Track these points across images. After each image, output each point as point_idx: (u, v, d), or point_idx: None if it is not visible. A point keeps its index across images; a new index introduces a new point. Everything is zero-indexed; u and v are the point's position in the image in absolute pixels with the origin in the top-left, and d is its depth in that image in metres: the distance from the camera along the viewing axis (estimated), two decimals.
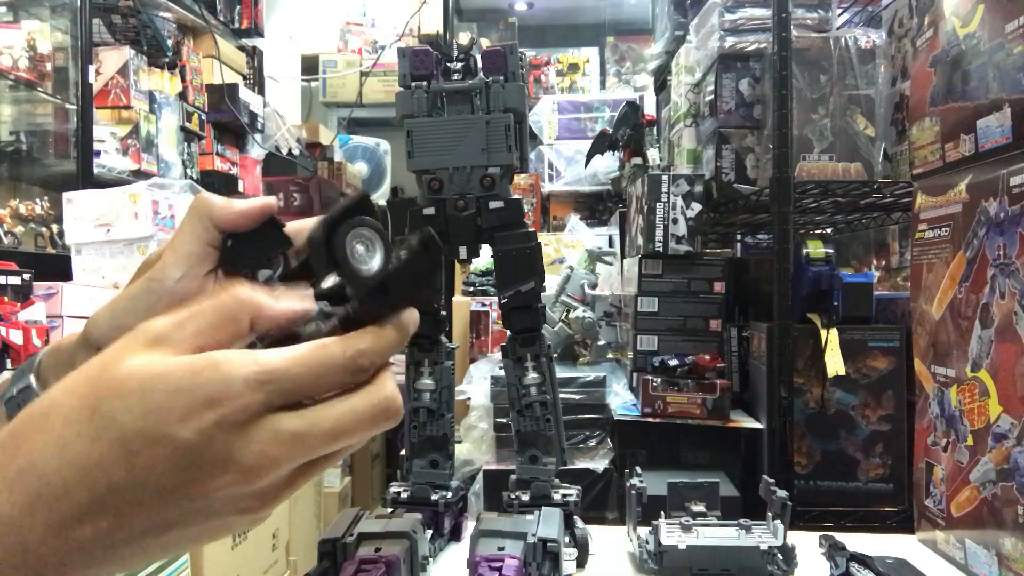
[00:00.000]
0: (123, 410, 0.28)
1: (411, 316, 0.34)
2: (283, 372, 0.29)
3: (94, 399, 0.28)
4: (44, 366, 0.45)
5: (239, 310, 0.31)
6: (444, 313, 0.85)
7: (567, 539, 0.80)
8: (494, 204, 0.80)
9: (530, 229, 0.81)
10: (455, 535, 0.91)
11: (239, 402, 0.28)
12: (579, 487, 0.86)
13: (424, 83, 0.82)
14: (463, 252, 0.82)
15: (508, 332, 0.83)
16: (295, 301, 0.33)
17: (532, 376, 0.82)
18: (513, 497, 0.83)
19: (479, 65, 0.82)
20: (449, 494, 0.85)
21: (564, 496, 0.83)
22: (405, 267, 0.33)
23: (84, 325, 0.43)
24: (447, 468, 0.86)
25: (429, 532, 0.81)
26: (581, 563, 0.80)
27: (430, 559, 0.80)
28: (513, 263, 0.80)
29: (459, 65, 0.83)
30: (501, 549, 0.67)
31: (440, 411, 0.85)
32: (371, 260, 0.33)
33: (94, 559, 0.29)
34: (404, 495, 0.85)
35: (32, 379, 0.44)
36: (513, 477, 0.86)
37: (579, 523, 0.84)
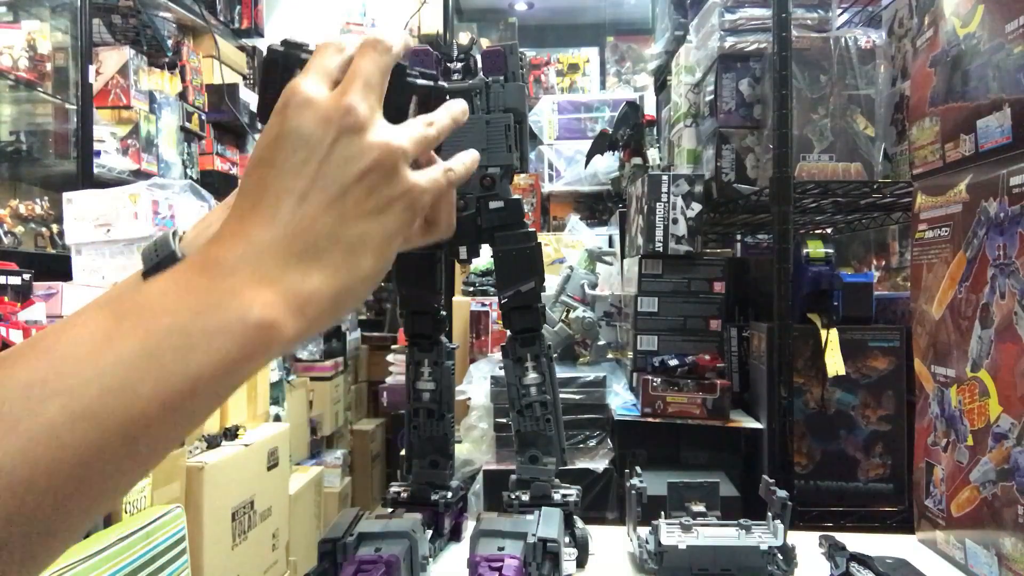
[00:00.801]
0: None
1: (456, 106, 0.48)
2: (419, 141, 0.43)
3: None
4: (189, 243, 0.49)
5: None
6: (444, 313, 0.85)
7: (567, 539, 0.80)
8: (494, 204, 0.80)
9: (530, 229, 0.81)
10: (455, 535, 0.91)
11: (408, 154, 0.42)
12: (579, 487, 0.86)
13: None
14: (463, 252, 0.81)
15: (508, 332, 0.83)
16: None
17: (532, 376, 0.82)
18: (513, 497, 0.82)
19: (479, 65, 0.82)
20: (449, 494, 0.85)
21: (564, 496, 0.83)
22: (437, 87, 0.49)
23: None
24: (447, 468, 0.86)
25: (429, 532, 0.81)
26: (581, 563, 0.80)
27: (430, 559, 0.80)
28: (513, 263, 0.80)
29: (459, 65, 0.83)
30: (501, 549, 0.67)
31: (440, 411, 0.85)
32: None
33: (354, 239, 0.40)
34: (404, 495, 0.85)
35: (178, 251, 0.48)
36: (513, 477, 0.85)
37: (579, 523, 0.84)
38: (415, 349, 0.84)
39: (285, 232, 0.38)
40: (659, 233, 1.63)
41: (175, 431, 0.35)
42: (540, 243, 0.80)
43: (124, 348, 0.33)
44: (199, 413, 0.36)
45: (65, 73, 2.27)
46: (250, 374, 0.36)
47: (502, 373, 1.74)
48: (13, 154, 2.24)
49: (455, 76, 0.83)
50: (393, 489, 0.86)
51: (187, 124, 2.85)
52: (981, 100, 0.82)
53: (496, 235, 0.80)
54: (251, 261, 0.37)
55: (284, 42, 0.47)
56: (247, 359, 0.35)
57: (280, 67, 0.46)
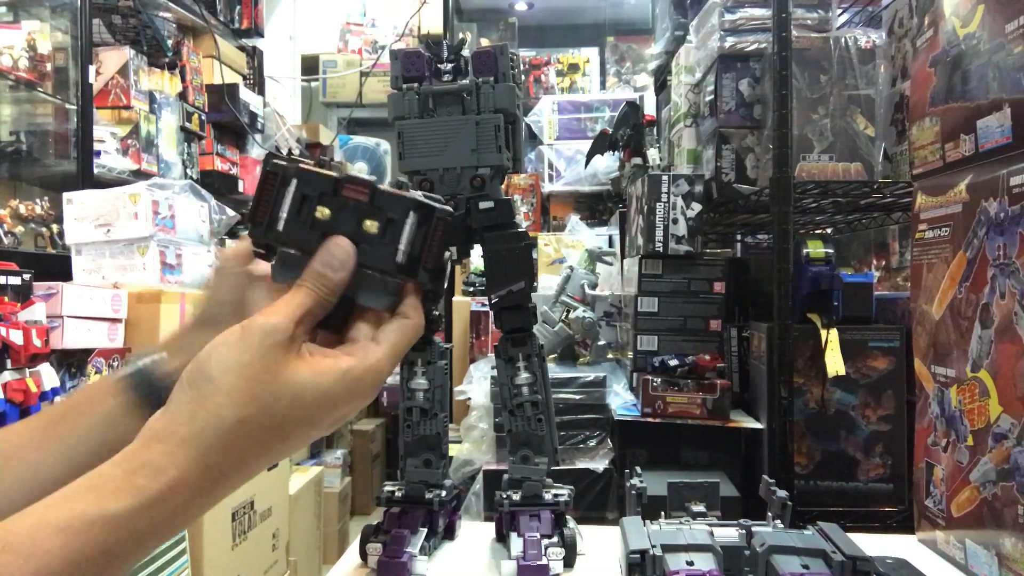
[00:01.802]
0: (296, 420, 0.41)
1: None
2: (387, 371, 0.45)
3: (266, 402, 0.40)
4: (170, 348, 0.54)
5: (329, 295, 0.45)
6: (437, 313, 0.84)
7: (555, 539, 0.80)
8: (484, 204, 0.80)
9: (520, 229, 0.81)
10: (449, 534, 0.91)
11: (368, 396, 0.45)
12: (571, 487, 0.86)
13: (416, 85, 0.82)
14: (453, 252, 0.82)
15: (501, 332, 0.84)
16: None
17: (524, 376, 0.82)
18: (504, 497, 0.83)
19: (469, 65, 0.82)
20: (443, 493, 0.85)
21: (556, 496, 0.83)
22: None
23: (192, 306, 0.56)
24: (441, 467, 0.87)
25: (424, 530, 0.81)
26: (569, 563, 0.80)
27: (425, 557, 0.81)
28: (504, 263, 0.80)
29: (449, 66, 0.83)
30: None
31: (433, 410, 0.85)
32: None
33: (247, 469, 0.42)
34: (398, 494, 0.85)
35: (164, 356, 0.53)
36: (505, 476, 0.86)
37: (570, 523, 0.84)
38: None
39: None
40: (659, 233, 1.63)
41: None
42: (531, 243, 0.80)
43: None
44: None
45: (65, 73, 2.27)
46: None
47: None
48: (13, 154, 2.23)
49: (445, 76, 0.83)
50: (387, 488, 0.86)
51: (187, 124, 2.85)
52: (981, 100, 0.82)
53: (486, 235, 0.80)
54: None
55: (288, 156, 0.48)
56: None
57: (280, 180, 0.47)
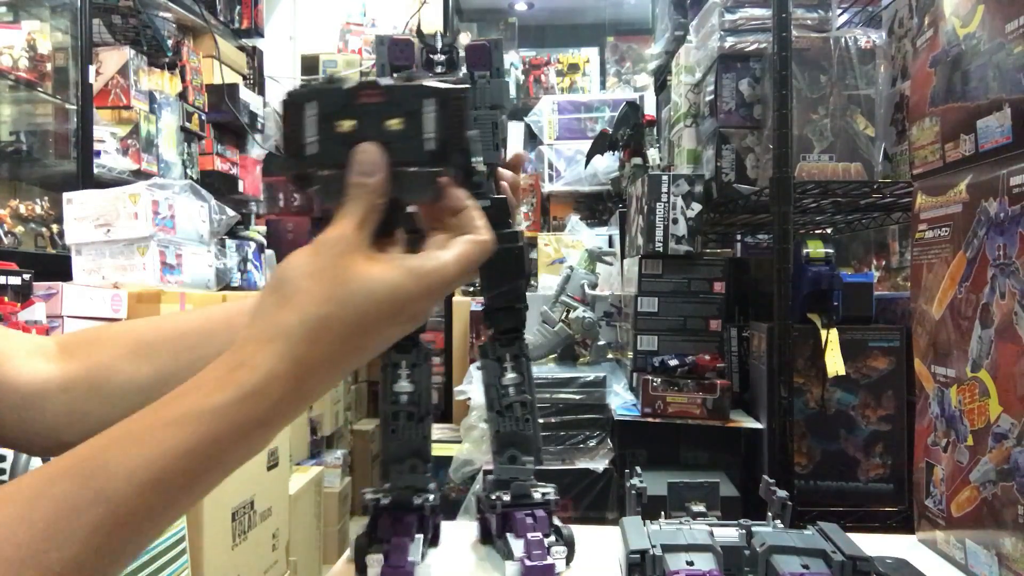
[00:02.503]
0: (371, 314, 0.44)
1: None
2: (453, 274, 0.47)
3: (342, 299, 0.43)
4: None
5: (375, 198, 0.46)
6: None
7: (553, 537, 0.79)
8: (480, 203, 0.77)
9: (516, 229, 0.78)
10: (434, 539, 0.87)
11: (435, 294, 0.47)
12: (555, 485, 0.84)
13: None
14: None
15: (489, 332, 0.82)
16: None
17: (511, 376, 0.80)
18: (495, 498, 0.81)
19: (463, 58, 0.80)
20: (431, 497, 0.82)
21: (544, 495, 0.82)
22: None
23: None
24: (428, 471, 0.83)
25: (420, 537, 0.79)
26: (569, 560, 0.79)
27: (428, 564, 0.80)
28: (499, 263, 0.74)
29: (443, 58, 0.81)
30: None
31: (419, 414, 0.81)
32: None
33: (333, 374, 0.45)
34: (385, 500, 0.80)
35: None
36: (490, 477, 0.84)
37: (556, 520, 0.82)
38: (392, 351, 0.79)
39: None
40: (659, 233, 1.63)
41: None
42: (525, 244, 0.78)
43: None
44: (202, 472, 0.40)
45: (65, 73, 2.27)
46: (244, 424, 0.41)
47: None
48: (13, 154, 2.24)
49: (438, 69, 0.81)
50: (369, 496, 0.81)
51: (187, 124, 2.85)
52: (981, 100, 0.82)
53: None
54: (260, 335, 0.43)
55: (306, 85, 0.48)
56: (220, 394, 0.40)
57: (298, 107, 0.47)
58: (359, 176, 0.46)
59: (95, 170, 2.30)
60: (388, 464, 0.82)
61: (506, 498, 0.80)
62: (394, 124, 0.47)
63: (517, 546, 0.75)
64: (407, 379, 0.80)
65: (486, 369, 0.82)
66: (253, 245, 2.58)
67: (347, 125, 0.47)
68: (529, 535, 0.75)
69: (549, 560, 0.73)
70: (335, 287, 0.43)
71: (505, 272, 0.78)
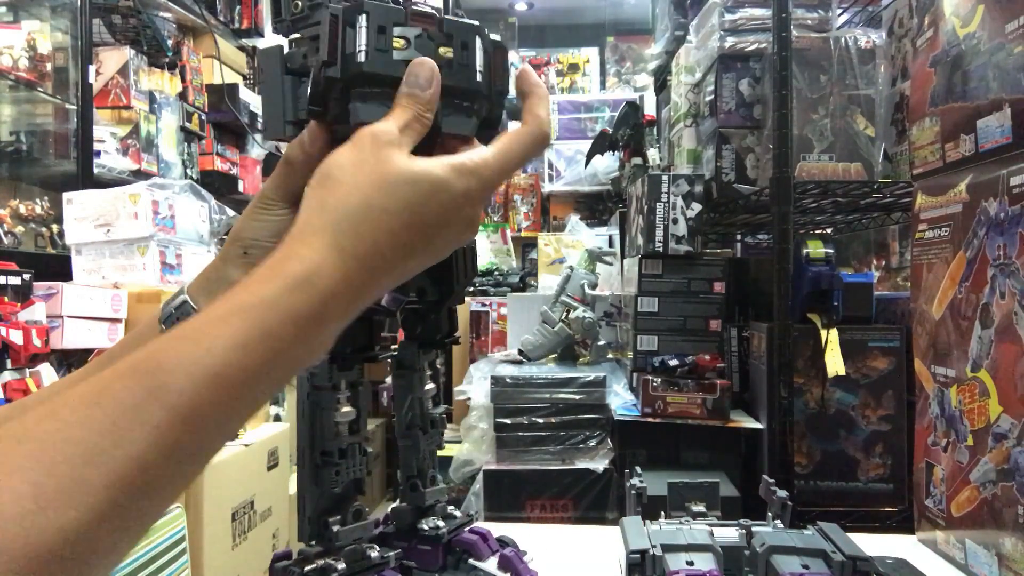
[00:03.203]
0: (417, 208, 0.43)
1: None
2: (495, 168, 0.46)
3: (385, 188, 0.42)
4: (195, 290, 0.53)
5: (425, 111, 0.46)
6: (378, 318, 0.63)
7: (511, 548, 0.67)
8: None
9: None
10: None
11: (484, 189, 0.46)
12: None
13: None
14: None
15: (403, 337, 0.67)
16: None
17: (430, 386, 0.67)
18: (432, 528, 0.65)
19: None
20: (375, 553, 0.61)
21: (467, 513, 0.69)
22: None
23: (227, 241, 0.53)
24: (367, 518, 0.63)
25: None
26: None
27: None
28: (453, 262, 0.64)
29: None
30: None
31: (363, 447, 0.61)
32: None
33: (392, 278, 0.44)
34: (321, 564, 0.59)
35: (187, 297, 0.53)
36: (405, 505, 0.66)
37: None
38: (334, 368, 0.58)
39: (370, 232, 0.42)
40: (659, 233, 1.63)
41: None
42: (475, 243, 0.66)
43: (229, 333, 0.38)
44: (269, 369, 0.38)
45: (65, 73, 2.27)
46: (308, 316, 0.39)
47: (502, 373, 1.75)
48: (13, 154, 2.24)
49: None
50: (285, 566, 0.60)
51: (187, 124, 2.85)
52: (981, 100, 0.82)
53: None
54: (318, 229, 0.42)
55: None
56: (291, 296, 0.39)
57: (343, 20, 0.46)
58: (412, 87, 0.45)
59: (95, 170, 2.30)
60: (317, 517, 0.60)
61: (440, 523, 0.65)
62: (446, 52, 0.48)
63: (490, 566, 0.65)
64: (347, 402, 0.59)
65: (408, 380, 0.67)
66: None
67: (400, 43, 0.47)
68: (507, 551, 0.65)
69: (532, 568, 0.65)
70: (377, 176, 0.42)
71: (457, 271, 0.64)
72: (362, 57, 0.46)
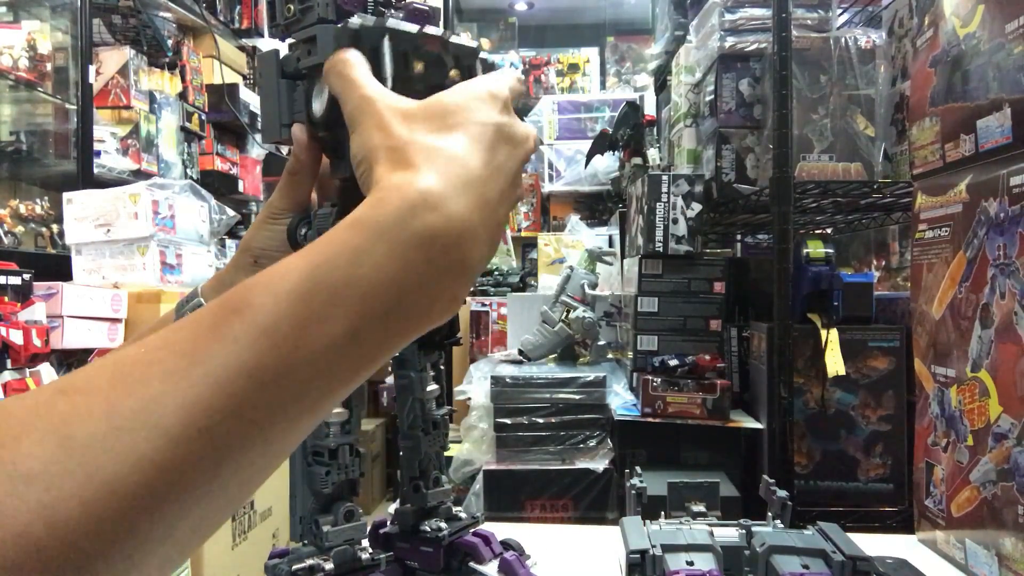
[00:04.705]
0: (456, 109, 0.41)
1: None
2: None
3: (418, 104, 0.41)
4: (207, 291, 0.54)
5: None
6: None
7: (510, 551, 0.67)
8: None
9: None
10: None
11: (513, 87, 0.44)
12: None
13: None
14: None
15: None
16: None
17: (433, 387, 0.67)
18: (435, 529, 0.65)
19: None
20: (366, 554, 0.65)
21: (473, 515, 0.69)
22: None
23: (238, 250, 0.53)
24: (359, 519, 0.64)
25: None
26: None
27: None
28: None
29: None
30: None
31: (356, 448, 0.62)
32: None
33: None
34: (327, 567, 0.61)
35: (202, 300, 0.53)
36: (407, 507, 0.66)
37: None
38: None
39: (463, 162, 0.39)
40: (659, 233, 1.63)
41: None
42: None
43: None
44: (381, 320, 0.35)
45: (65, 73, 2.28)
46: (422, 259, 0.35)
47: (502, 373, 1.75)
48: (13, 154, 2.24)
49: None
50: (293, 567, 0.61)
51: (187, 124, 2.85)
52: (981, 100, 0.82)
53: None
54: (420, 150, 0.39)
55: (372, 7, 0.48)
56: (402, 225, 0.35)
57: (364, 43, 0.45)
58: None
59: (95, 170, 2.30)
60: (312, 515, 0.61)
61: (443, 525, 0.65)
62: (455, 75, 0.48)
63: (490, 569, 0.65)
64: (339, 402, 0.58)
65: (409, 381, 0.66)
66: None
67: (418, 67, 0.47)
68: (507, 554, 0.65)
69: (534, 572, 0.65)
70: (405, 103, 0.41)
71: None
72: (389, 84, 0.45)
